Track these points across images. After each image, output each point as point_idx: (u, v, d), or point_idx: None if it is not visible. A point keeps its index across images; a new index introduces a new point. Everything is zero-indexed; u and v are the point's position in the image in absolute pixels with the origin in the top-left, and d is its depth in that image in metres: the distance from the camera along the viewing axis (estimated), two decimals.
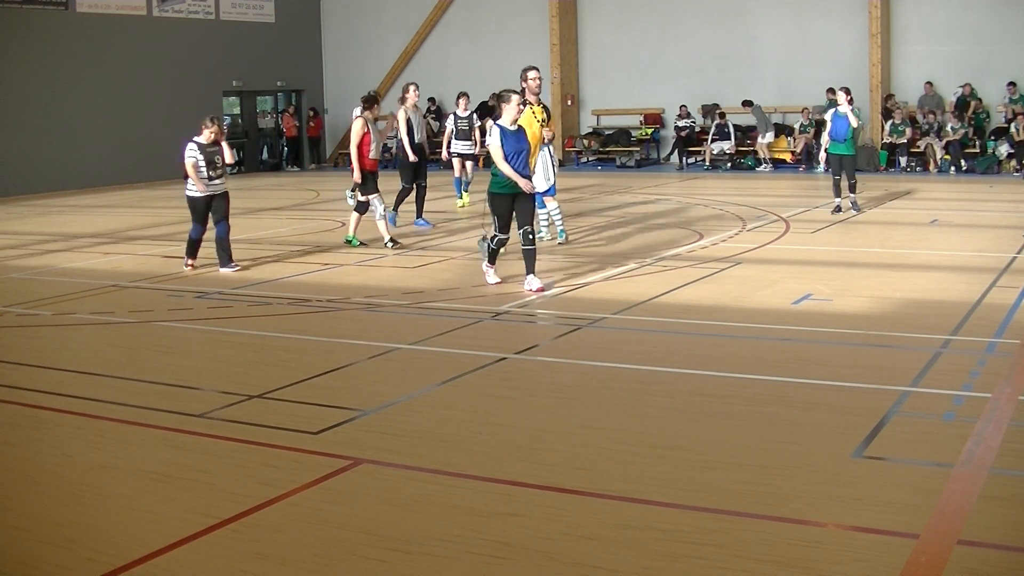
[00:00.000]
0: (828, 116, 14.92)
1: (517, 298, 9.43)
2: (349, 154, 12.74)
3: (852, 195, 14.74)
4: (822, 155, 15.26)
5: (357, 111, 13.56)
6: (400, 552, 4.29)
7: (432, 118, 26.26)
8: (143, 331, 8.87)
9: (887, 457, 5.20)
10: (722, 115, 24.04)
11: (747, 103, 23.44)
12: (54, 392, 6.89)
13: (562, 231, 12.58)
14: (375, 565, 4.20)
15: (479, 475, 5.14)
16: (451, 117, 16.41)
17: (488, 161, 9.81)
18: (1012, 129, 20.44)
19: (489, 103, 16.81)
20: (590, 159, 25.48)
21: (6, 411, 6.58)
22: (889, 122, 21.87)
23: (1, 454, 5.80)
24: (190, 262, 11.62)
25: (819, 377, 6.60)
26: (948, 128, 21.25)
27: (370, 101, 12.71)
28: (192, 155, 11.33)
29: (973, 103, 21.26)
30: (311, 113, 29.56)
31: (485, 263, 10.06)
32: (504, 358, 7.36)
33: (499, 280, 9.95)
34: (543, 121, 11.23)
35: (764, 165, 23.40)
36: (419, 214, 14.68)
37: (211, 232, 11.45)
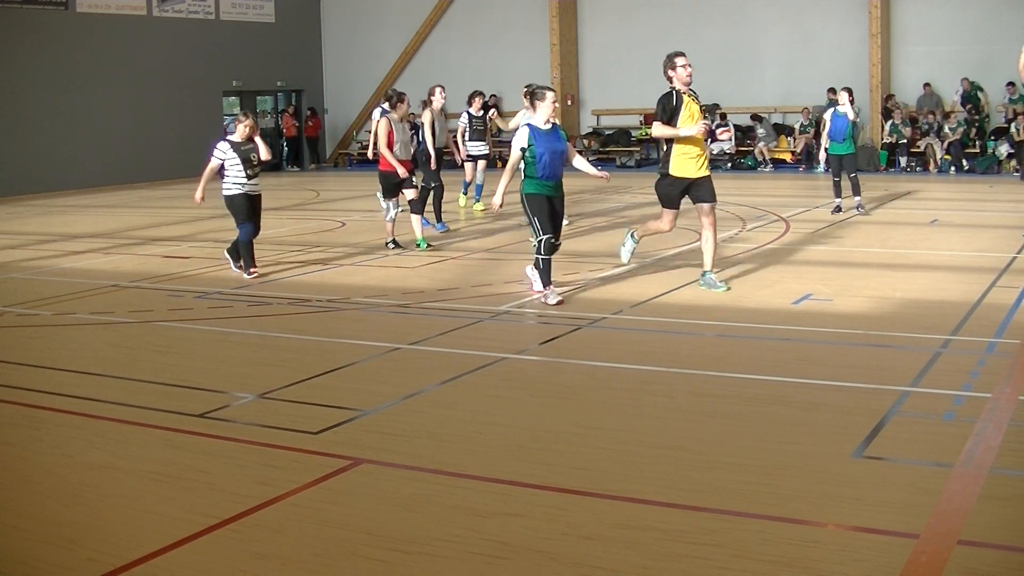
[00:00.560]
0: (827, 116, 14.88)
1: (517, 298, 9.42)
2: (349, 154, 12.61)
3: (858, 197, 14.60)
4: (822, 155, 15.17)
5: (377, 112, 13.18)
6: (400, 552, 4.28)
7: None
8: (143, 331, 8.87)
9: (887, 457, 5.20)
10: (723, 116, 24.05)
11: (756, 118, 23.45)
12: (54, 392, 6.88)
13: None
14: (375, 565, 4.19)
15: (479, 475, 5.13)
16: (464, 116, 16.06)
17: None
18: (1012, 129, 20.45)
19: (489, 103, 16.69)
20: (590, 159, 25.42)
21: (6, 411, 6.58)
22: (889, 122, 21.88)
23: (1, 454, 5.80)
24: (253, 270, 10.98)
25: (819, 377, 6.60)
26: (947, 130, 21.26)
27: (394, 99, 12.31)
28: (219, 156, 10.78)
29: (981, 95, 21.22)
30: (309, 113, 29.57)
31: (537, 284, 9.15)
32: (504, 358, 7.36)
33: (560, 299, 9.03)
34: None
35: (764, 165, 23.40)
36: (425, 216, 14.47)
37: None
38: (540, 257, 8.99)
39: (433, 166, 13.98)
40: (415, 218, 12.34)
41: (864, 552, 4.16)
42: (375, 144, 12.44)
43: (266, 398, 6.59)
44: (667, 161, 9.32)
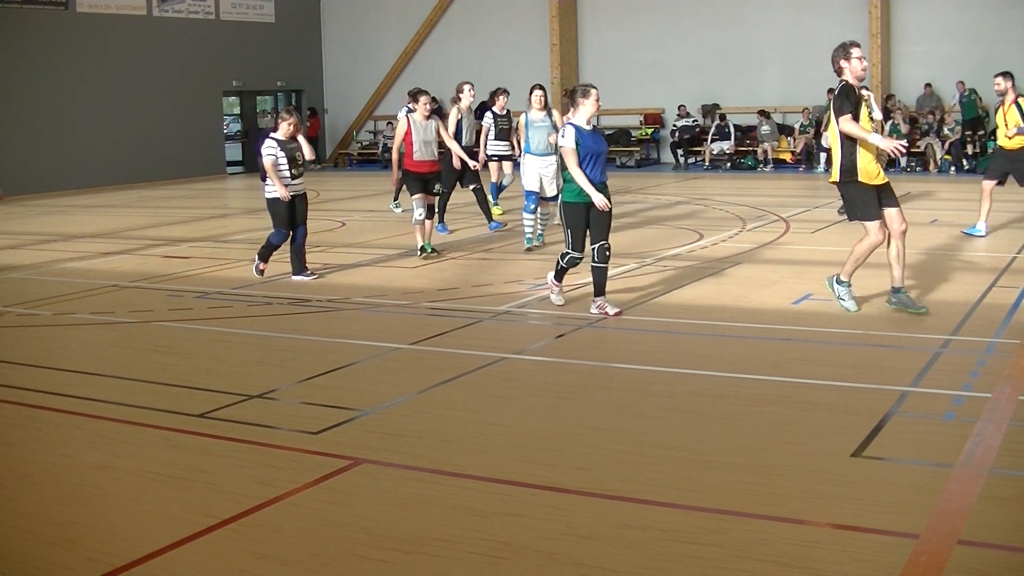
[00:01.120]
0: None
1: (517, 298, 9.43)
2: (349, 154, 12.38)
3: None
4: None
5: (403, 113, 12.67)
6: (400, 552, 4.28)
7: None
8: (143, 331, 8.87)
9: (887, 457, 5.20)
10: (722, 116, 24.06)
11: (763, 114, 23.46)
12: (54, 392, 6.89)
13: (540, 235, 12.20)
14: (375, 565, 4.20)
15: (479, 475, 5.13)
16: (488, 116, 15.15)
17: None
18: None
19: (489, 103, 16.41)
20: None
21: (6, 411, 6.58)
22: (889, 122, 21.88)
23: (1, 454, 5.80)
24: (262, 266, 10.90)
25: (819, 377, 6.60)
26: (947, 130, 21.25)
27: (417, 96, 11.78)
28: (271, 152, 10.48)
29: (975, 97, 21.16)
30: (309, 112, 29.57)
31: (551, 276, 9.00)
32: (504, 358, 7.36)
33: (563, 303, 8.95)
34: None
35: (765, 165, 23.40)
36: (440, 217, 13.99)
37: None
38: (560, 263, 8.74)
39: (457, 166, 13.45)
40: (427, 222, 11.82)
41: (864, 552, 4.16)
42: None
43: (266, 398, 6.59)
44: (852, 166, 8.06)
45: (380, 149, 29.09)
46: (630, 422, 5.94)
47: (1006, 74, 12.49)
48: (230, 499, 4.89)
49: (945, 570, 3.95)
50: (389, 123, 28.90)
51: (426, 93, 11.73)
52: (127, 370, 7.46)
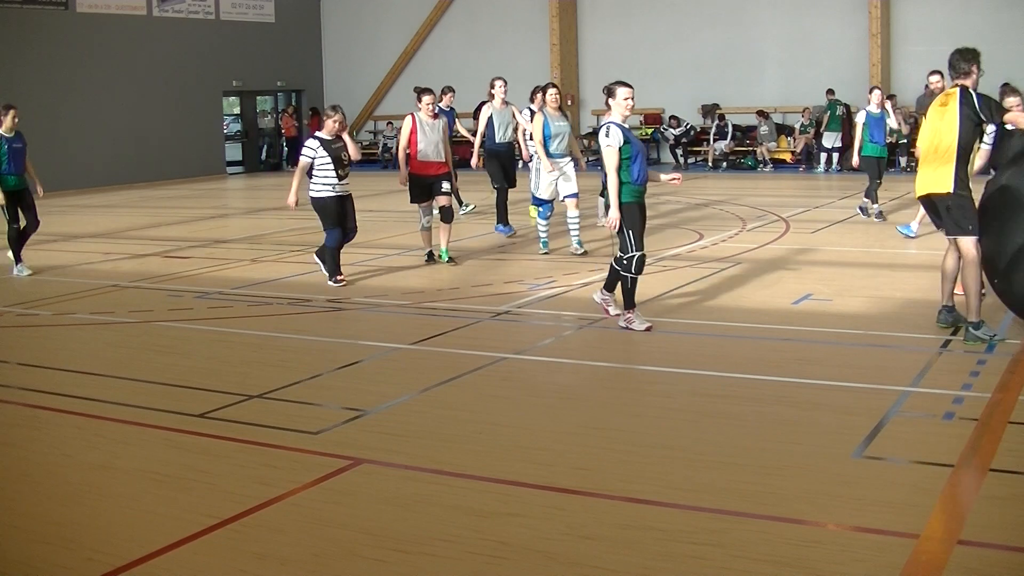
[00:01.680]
0: (860, 118, 14.06)
1: (517, 298, 9.43)
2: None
3: (867, 200, 14.21)
4: (856, 158, 14.03)
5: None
6: (400, 552, 4.28)
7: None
8: (143, 331, 8.87)
9: (887, 457, 5.20)
10: (721, 116, 24.07)
11: (762, 114, 23.49)
12: (54, 392, 6.89)
13: (578, 240, 11.68)
14: (375, 565, 4.19)
15: (479, 475, 5.13)
16: (525, 113, 14.24)
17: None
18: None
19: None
20: (590, 159, 25.46)
21: (6, 411, 6.58)
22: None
23: (1, 454, 5.80)
24: (340, 277, 10.26)
25: (819, 377, 6.60)
26: None
27: (420, 95, 11.18)
28: (309, 154, 10.05)
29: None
30: (311, 112, 29.58)
31: (613, 308, 8.19)
32: (504, 358, 7.36)
33: (649, 325, 7.98)
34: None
35: (764, 165, 23.41)
36: (499, 218, 13.54)
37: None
38: (629, 276, 7.91)
39: (494, 164, 13.13)
40: (443, 227, 11.19)
41: (864, 552, 4.16)
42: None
43: (266, 398, 6.59)
44: (967, 177, 7.44)
45: (380, 149, 29.09)
46: (630, 422, 5.94)
47: (941, 72, 12.49)
48: (230, 499, 4.89)
49: (945, 570, 3.95)
50: (389, 123, 28.92)
51: (430, 92, 11.23)
52: (127, 370, 7.46)
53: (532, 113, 14.28)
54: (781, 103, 23.97)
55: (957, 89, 7.50)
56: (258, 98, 29.48)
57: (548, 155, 11.48)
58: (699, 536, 4.34)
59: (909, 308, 8.54)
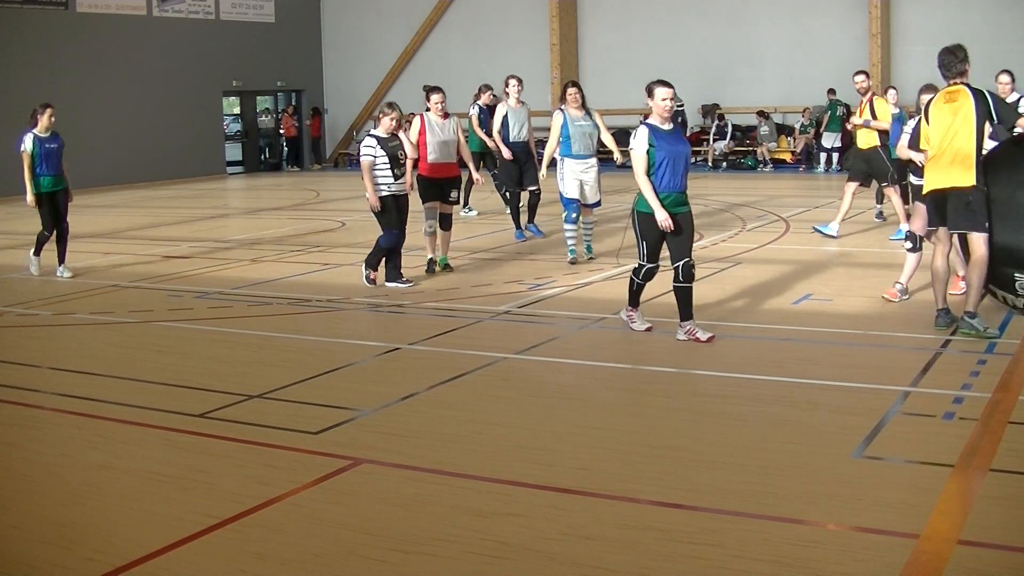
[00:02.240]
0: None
1: (517, 298, 9.42)
2: (349, 154, 11.91)
3: (880, 205, 14.17)
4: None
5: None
6: (400, 552, 4.28)
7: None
8: (143, 331, 8.87)
9: (887, 457, 5.20)
10: (721, 116, 24.07)
11: (762, 114, 23.50)
12: (54, 392, 6.89)
13: (589, 247, 11.29)
14: (375, 565, 4.19)
15: (479, 475, 5.13)
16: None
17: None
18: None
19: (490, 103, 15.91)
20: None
21: (6, 411, 6.58)
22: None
23: (1, 454, 5.80)
24: (373, 275, 10.11)
25: (819, 377, 6.60)
26: None
27: (429, 94, 10.77)
28: (370, 152, 9.81)
29: None
30: (312, 112, 29.58)
31: (626, 310, 8.01)
32: (504, 358, 7.36)
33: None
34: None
35: (764, 165, 23.41)
36: (531, 218, 13.18)
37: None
38: (635, 280, 7.82)
39: (510, 162, 12.77)
40: (442, 234, 10.84)
41: (864, 552, 4.16)
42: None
43: (266, 398, 6.59)
44: (982, 174, 7.50)
45: None
46: (630, 422, 5.94)
47: (867, 73, 12.79)
48: (230, 499, 4.89)
49: (945, 570, 3.94)
50: None
51: (439, 91, 10.76)
52: (127, 370, 7.46)
53: (482, 110, 14.36)
54: (781, 103, 23.97)
55: (963, 87, 7.53)
56: (258, 98, 29.48)
57: (571, 156, 10.87)
58: (699, 536, 4.34)
59: (909, 308, 8.54)
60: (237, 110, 29.88)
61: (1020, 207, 7.43)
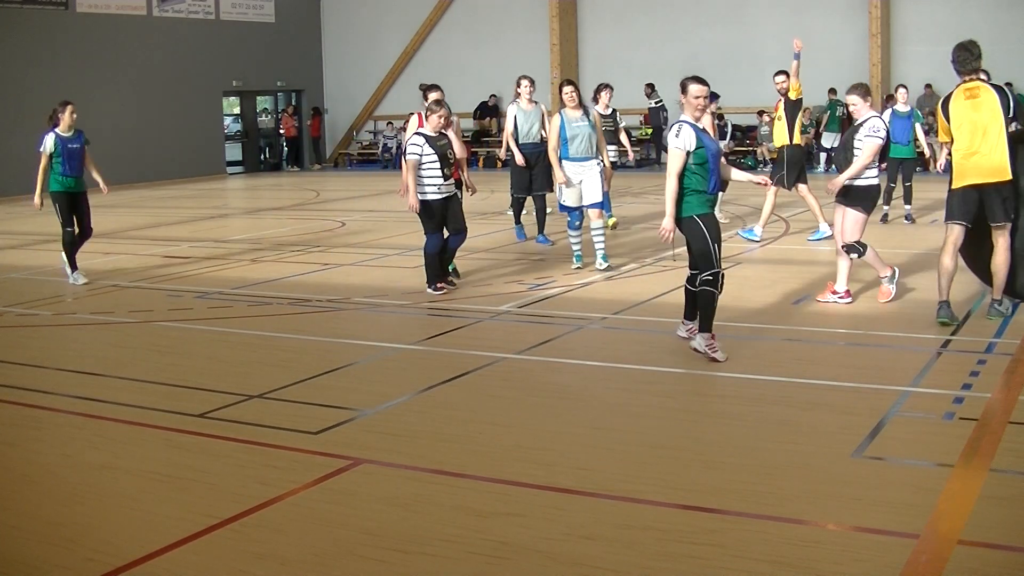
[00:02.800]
0: (886, 117, 14.13)
1: (517, 298, 9.42)
2: (349, 154, 11.74)
3: (908, 206, 14.08)
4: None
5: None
6: (400, 552, 4.28)
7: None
8: (143, 331, 8.87)
9: (887, 457, 5.20)
10: (721, 116, 24.05)
11: (762, 114, 23.47)
12: (54, 392, 6.89)
13: (604, 255, 10.64)
14: (375, 565, 4.19)
15: (479, 475, 5.13)
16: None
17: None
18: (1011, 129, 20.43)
19: (489, 103, 15.95)
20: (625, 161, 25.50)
21: (6, 411, 6.58)
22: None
23: (1, 454, 5.80)
24: (440, 284, 9.60)
25: (819, 377, 6.60)
26: None
27: (426, 93, 10.25)
28: (416, 151, 9.32)
29: None
30: (313, 112, 29.59)
31: (703, 337, 7.04)
32: (504, 358, 7.36)
33: (726, 357, 7.02)
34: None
35: (765, 165, 23.40)
36: (540, 228, 12.69)
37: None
38: (716, 294, 6.99)
39: (520, 167, 12.32)
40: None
41: (864, 552, 4.16)
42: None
43: (266, 398, 6.59)
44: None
45: (380, 149, 29.10)
46: (630, 422, 5.94)
47: (787, 73, 13.26)
48: (230, 499, 4.89)
49: (945, 570, 3.94)
50: (389, 123, 28.93)
51: (437, 88, 10.38)
52: (127, 370, 7.46)
53: (599, 116, 12.84)
54: None
55: (982, 83, 7.65)
56: (258, 98, 29.49)
57: (569, 159, 10.41)
58: (699, 536, 4.34)
59: (909, 308, 8.54)
60: (237, 110, 29.88)
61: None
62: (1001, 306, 7.92)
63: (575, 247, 10.76)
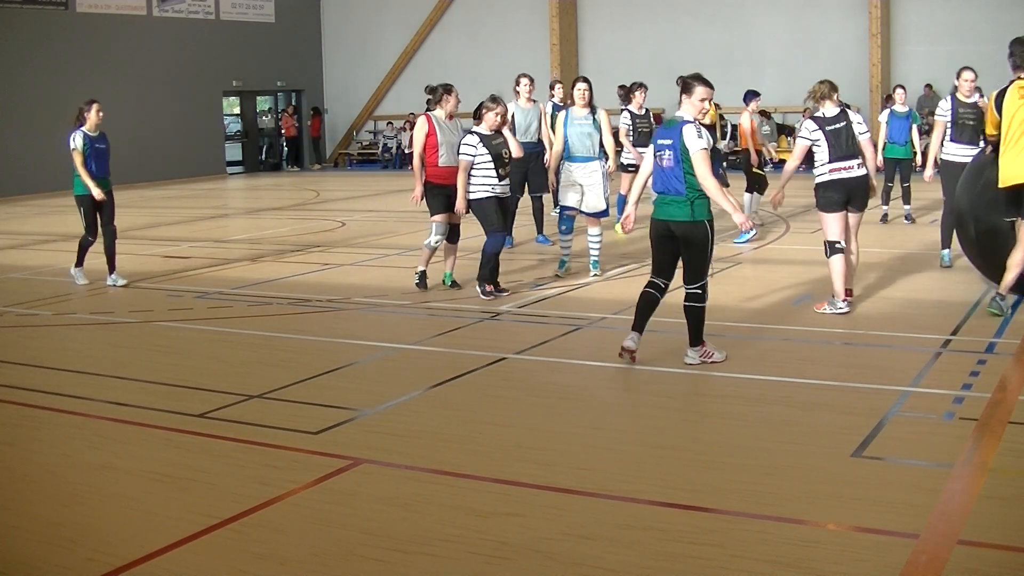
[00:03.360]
0: (884, 118, 14.00)
1: (517, 298, 9.42)
2: (349, 154, 11.63)
3: (908, 206, 14.10)
4: (879, 159, 13.53)
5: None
6: (400, 552, 4.28)
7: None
8: (143, 331, 8.87)
9: (887, 457, 5.20)
10: (721, 116, 24.06)
11: (764, 114, 23.48)
12: (54, 392, 6.88)
13: (595, 262, 10.46)
14: (375, 565, 4.19)
15: (479, 475, 5.13)
16: (625, 116, 13.00)
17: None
18: None
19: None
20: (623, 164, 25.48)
21: (6, 411, 6.58)
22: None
23: (1, 454, 5.80)
24: (488, 287, 9.36)
25: (819, 377, 6.60)
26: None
27: (440, 92, 9.79)
28: (470, 151, 9.11)
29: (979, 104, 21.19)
30: (313, 112, 29.60)
31: (698, 350, 7.01)
32: (504, 358, 7.36)
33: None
34: None
35: (765, 165, 23.39)
36: (539, 229, 12.63)
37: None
38: (703, 306, 7.00)
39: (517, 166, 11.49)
40: (448, 247, 9.92)
41: (864, 552, 4.16)
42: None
43: (266, 398, 6.59)
44: None
45: (380, 149, 29.11)
46: (630, 422, 5.94)
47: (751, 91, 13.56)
48: (230, 499, 4.89)
49: (945, 570, 3.94)
50: (389, 123, 28.95)
51: (452, 87, 9.91)
52: (127, 370, 7.45)
53: (633, 116, 13.05)
54: (781, 103, 23.97)
55: None
56: (258, 98, 29.49)
57: (569, 159, 10.09)
58: (699, 536, 4.34)
59: (909, 308, 8.54)
60: (237, 110, 29.87)
61: None
62: (1004, 302, 7.95)
63: (564, 252, 10.46)
